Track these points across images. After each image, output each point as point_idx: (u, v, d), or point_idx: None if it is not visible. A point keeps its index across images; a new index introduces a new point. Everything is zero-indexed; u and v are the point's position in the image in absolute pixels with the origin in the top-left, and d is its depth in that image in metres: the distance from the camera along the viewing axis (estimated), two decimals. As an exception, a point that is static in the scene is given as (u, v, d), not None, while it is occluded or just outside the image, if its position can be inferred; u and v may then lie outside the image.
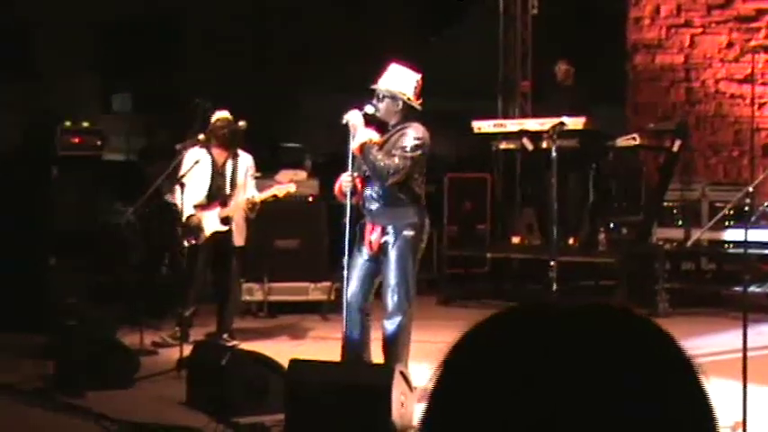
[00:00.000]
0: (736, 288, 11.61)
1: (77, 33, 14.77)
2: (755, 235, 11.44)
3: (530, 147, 12.50)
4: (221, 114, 10.08)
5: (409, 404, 6.87)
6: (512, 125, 13.16)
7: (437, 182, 13.01)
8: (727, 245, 11.86)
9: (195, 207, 9.95)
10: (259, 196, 9.91)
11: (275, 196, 9.93)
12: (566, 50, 13.76)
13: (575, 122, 11.97)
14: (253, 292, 11.64)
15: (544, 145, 11.91)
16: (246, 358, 7.79)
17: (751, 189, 11.29)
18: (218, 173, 10.06)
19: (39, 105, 14.07)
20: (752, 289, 11.57)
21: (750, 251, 11.48)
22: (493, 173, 14.08)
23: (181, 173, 9.85)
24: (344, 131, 8.18)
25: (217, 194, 10.02)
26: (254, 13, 15.27)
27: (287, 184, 10.23)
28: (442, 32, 15.84)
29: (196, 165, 9.86)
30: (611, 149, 12.74)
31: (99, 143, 12.94)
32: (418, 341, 8.11)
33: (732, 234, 11.72)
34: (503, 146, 13.15)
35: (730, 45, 14.27)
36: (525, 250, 13.04)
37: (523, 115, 14.28)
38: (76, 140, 12.70)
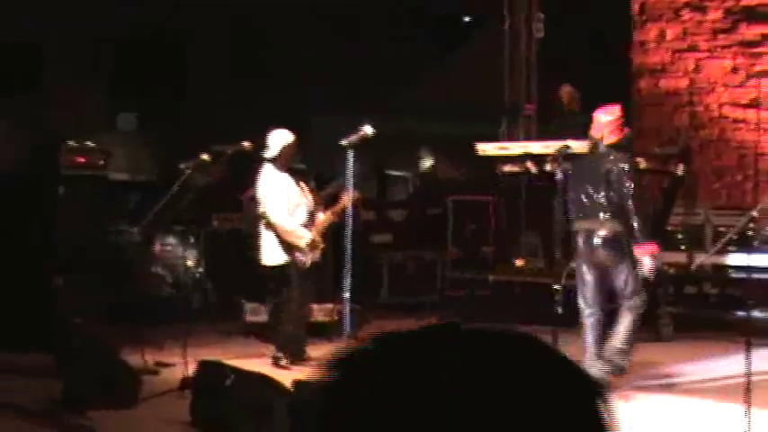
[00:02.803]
0: (740, 313, 11.65)
1: (84, 51, 14.85)
2: (759, 260, 11.48)
3: (534, 170, 12.54)
4: (290, 135, 10.19)
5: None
6: (516, 148, 13.20)
7: (441, 204, 13.06)
8: (730, 269, 11.90)
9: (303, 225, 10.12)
10: (332, 211, 10.18)
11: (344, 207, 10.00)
12: (571, 74, 13.82)
13: (579, 146, 12.01)
14: (258, 313, 11.65)
15: (548, 168, 11.94)
16: (251, 379, 7.82)
17: (755, 214, 11.36)
18: (300, 192, 10.23)
19: (44, 123, 14.14)
20: (755, 314, 11.60)
21: (753, 276, 11.52)
22: (497, 196, 14.12)
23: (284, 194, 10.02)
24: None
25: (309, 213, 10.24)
26: (260, 32, 15.35)
27: (349, 194, 10.40)
28: (448, 56, 15.91)
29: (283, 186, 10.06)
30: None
31: (102, 162, 12.98)
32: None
33: (735, 259, 11.76)
34: (507, 169, 13.20)
35: (735, 70, 14.32)
36: (528, 273, 13.06)
37: (528, 138, 14.33)
38: (81, 160, 12.76)
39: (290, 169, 10.24)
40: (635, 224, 8.71)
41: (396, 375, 1.06)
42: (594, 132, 9.19)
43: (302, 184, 10.33)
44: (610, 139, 9.05)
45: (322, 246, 10.25)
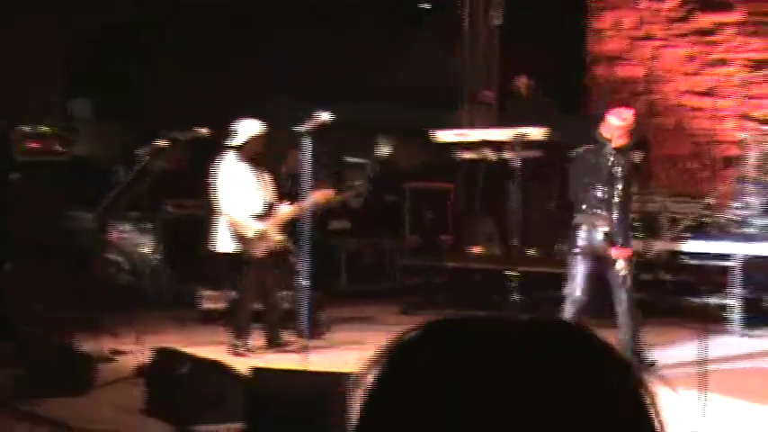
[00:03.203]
0: (695, 299, 11.71)
1: (41, 38, 14.68)
2: (714, 247, 11.54)
3: (492, 157, 12.54)
4: (259, 126, 10.15)
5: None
6: (474, 135, 13.20)
7: (399, 192, 13.04)
8: (686, 256, 11.94)
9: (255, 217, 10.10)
10: (301, 205, 10.03)
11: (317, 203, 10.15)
12: (530, 62, 13.80)
13: (537, 133, 12.03)
14: (215, 300, 11.58)
15: (506, 155, 11.95)
16: (207, 367, 7.76)
17: (711, 201, 11.41)
18: (260, 183, 10.21)
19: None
20: (710, 300, 11.67)
21: (708, 262, 11.58)
22: (455, 183, 14.09)
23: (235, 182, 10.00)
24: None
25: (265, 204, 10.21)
26: (216, 19, 15.23)
27: (324, 191, 10.41)
28: (407, 42, 15.85)
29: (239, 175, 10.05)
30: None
31: (61, 148, 12.82)
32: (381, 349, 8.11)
33: (691, 246, 11.81)
34: (465, 156, 13.19)
35: (691, 58, 14.37)
36: (485, 260, 13.06)
37: (486, 126, 14.32)
38: (35, 145, 12.59)
39: (256, 159, 10.18)
40: (623, 225, 9.14)
41: (449, 363, 1.06)
42: (604, 132, 9.41)
43: (266, 176, 10.26)
44: (618, 142, 9.32)
45: (279, 238, 10.18)
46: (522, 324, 1.11)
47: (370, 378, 1.12)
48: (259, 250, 10.07)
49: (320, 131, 10.13)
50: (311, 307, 10.57)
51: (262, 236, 10.08)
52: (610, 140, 9.36)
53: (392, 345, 1.11)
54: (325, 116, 10.07)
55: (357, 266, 13.24)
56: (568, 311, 9.37)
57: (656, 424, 1.07)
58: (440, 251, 13.63)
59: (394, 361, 1.10)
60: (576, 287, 9.35)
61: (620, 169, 9.18)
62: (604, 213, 9.15)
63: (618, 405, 1.05)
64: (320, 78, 14.42)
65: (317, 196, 10.19)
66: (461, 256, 13.49)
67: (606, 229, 9.13)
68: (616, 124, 9.42)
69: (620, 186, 9.14)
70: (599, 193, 9.20)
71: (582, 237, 9.28)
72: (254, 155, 10.16)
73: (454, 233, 13.95)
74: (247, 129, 10.18)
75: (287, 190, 10.86)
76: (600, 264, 9.27)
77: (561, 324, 1.11)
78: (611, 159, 9.23)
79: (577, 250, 9.30)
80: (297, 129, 10.13)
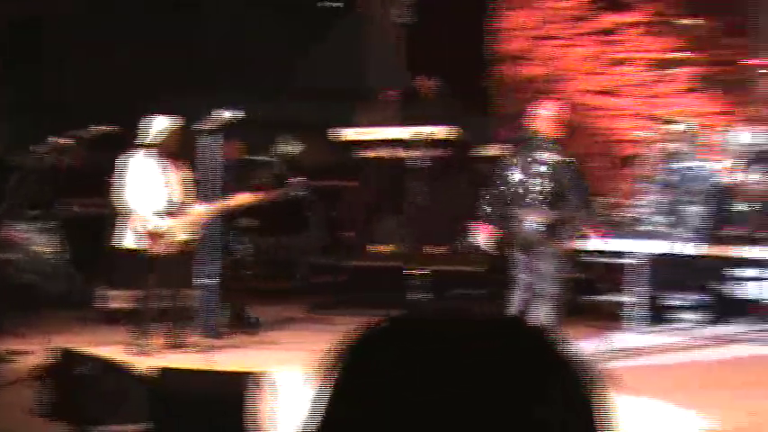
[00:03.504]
0: (596, 297, 11.83)
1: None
2: (614, 245, 11.66)
3: (396, 155, 12.55)
4: (170, 122, 10.00)
5: (278, 410, 6.82)
6: (378, 134, 13.20)
7: (304, 190, 12.97)
8: (586, 254, 12.05)
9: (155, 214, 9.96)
10: (222, 204, 10.16)
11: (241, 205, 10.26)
12: (436, 61, 13.83)
13: (440, 132, 12.08)
14: (119, 299, 11.43)
15: (411, 154, 11.96)
16: (108, 366, 7.64)
17: (611, 200, 11.53)
18: (169, 180, 10.09)
19: None
20: (611, 298, 11.81)
21: (609, 260, 11.71)
22: (358, 181, 14.07)
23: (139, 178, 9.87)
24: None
25: (172, 201, 10.07)
26: (121, 15, 15.03)
27: (248, 194, 10.37)
28: (312, 40, 15.79)
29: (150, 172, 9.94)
30: (478, 159, 12.88)
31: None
32: (288, 348, 8.09)
33: (592, 244, 11.92)
34: (369, 154, 13.18)
35: (592, 58, 14.53)
36: (390, 259, 13.06)
37: (389, 124, 14.32)
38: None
39: (169, 157, 10.03)
40: (560, 216, 9.28)
41: (409, 356, 1.08)
42: (532, 125, 9.51)
43: (180, 173, 10.13)
44: (547, 132, 9.41)
45: (184, 237, 10.06)
46: (472, 321, 1.13)
47: (327, 376, 1.11)
48: (161, 248, 9.95)
49: (223, 129, 10.05)
50: (215, 306, 10.51)
51: (164, 233, 9.96)
52: (538, 133, 9.44)
53: (348, 343, 1.11)
54: (227, 114, 9.99)
55: (263, 264, 13.14)
56: (516, 305, 9.46)
57: (601, 419, 1.08)
58: (344, 249, 13.61)
59: (351, 359, 1.10)
60: (517, 283, 9.46)
61: (552, 160, 9.31)
62: (537, 205, 9.27)
63: (561, 398, 1.06)
64: (228, 76, 14.32)
65: (240, 198, 10.13)
66: (367, 255, 13.48)
67: (538, 221, 9.23)
68: (543, 114, 9.52)
69: (549, 178, 9.28)
70: (531, 186, 9.31)
71: (518, 230, 9.37)
72: (167, 152, 9.99)
73: (358, 231, 13.94)
74: (159, 125, 10.02)
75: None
76: (533, 257, 9.38)
77: (511, 320, 1.13)
78: (543, 151, 9.35)
79: (515, 246, 9.40)
80: (197, 127, 10.03)
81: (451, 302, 10.86)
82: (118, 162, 10.09)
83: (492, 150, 12.83)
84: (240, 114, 9.89)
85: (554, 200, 9.30)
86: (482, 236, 9.50)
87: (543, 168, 9.31)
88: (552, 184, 9.28)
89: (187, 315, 10.43)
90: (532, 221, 9.28)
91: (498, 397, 1.05)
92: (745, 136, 11.38)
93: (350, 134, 13.28)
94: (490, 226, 9.44)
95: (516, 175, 9.41)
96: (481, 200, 9.53)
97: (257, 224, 13.00)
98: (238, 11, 14.85)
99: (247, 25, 14.88)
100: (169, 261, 10.01)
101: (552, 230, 9.28)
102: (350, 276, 13.55)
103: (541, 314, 9.33)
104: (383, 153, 12.90)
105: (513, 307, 9.45)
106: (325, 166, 14.96)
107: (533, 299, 9.42)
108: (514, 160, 9.51)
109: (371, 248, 13.53)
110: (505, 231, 9.47)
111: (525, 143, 9.54)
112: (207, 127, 10.03)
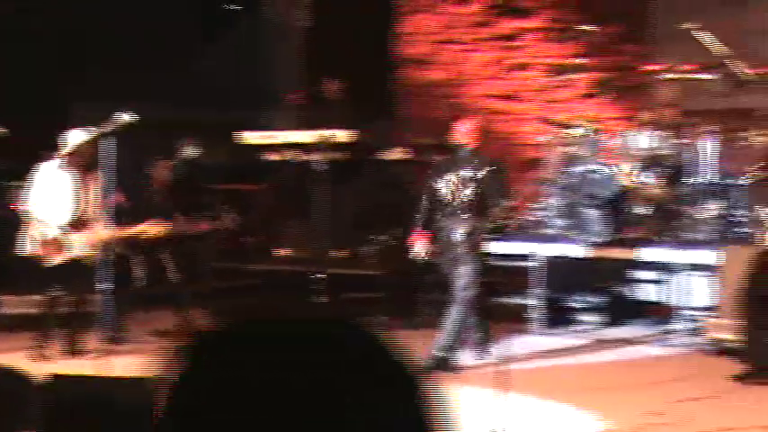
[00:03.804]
0: (497, 299, 11.87)
1: None
2: (514, 247, 11.73)
3: (298, 159, 12.50)
4: (84, 135, 9.90)
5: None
6: (280, 137, 13.14)
7: (208, 193, 12.86)
8: (490, 257, 12.10)
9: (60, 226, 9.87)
10: (126, 232, 10.10)
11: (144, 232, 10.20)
12: (339, 64, 13.79)
13: (343, 135, 12.05)
14: (18, 305, 11.21)
15: (313, 157, 11.91)
16: (4, 372, 7.46)
17: (512, 203, 11.56)
18: (81, 194, 10.01)
19: None
20: (511, 300, 11.87)
21: (509, 263, 11.77)
22: (262, 184, 13.97)
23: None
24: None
25: (80, 215, 9.98)
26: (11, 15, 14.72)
27: (155, 225, 10.28)
28: (215, 42, 15.63)
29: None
30: (380, 163, 12.88)
31: None
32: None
33: (492, 246, 11.97)
34: (271, 157, 13.10)
35: (493, 63, 14.62)
36: (292, 262, 12.99)
37: (293, 127, 14.26)
38: None
39: (85, 169, 9.96)
40: (479, 226, 9.56)
41: (234, 360, 1.09)
42: (455, 138, 9.84)
43: (88, 188, 10.01)
44: (471, 144, 9.74)
45: (82, 253, 9.95)
46: (305, 324, 1.12)
47: (169, 376, 1.11)
48: (57, 259, 9.87)
49: (123, 133, 9.93)
50: (115, 312, 10.37)
51: (63, 245, 9.87)
52: (463, 145, 9.71)
53: (186, 344, 1.11)
54: (126, 117, 9.88)
55: (160, 269, 12.93)
56: (455, 309, 9.63)
57: (430, 421, 1.08)
58: (247, 253, 13.50)
59: (189, 359, 1.10)
60: (449, 289, 9.70)
61: (480, 171, 9.62)
62: (463, 215, 9.54)
63: (390, 401, 1.06)
64: (129, 79, 14.08)
65: (146, 227, 10.08)
66: (269, 259, 13.39)
67: (464, 229, 9.46)
68: (464, 128, 9.82)
69: (473, 187, 9.59)
70: (458, 195, 9.62)
71: (444, 240, 9.62)
72: (80, 164, 9.95)
73: (262, 235, 13.84)
74: (72, 138, 9.98)
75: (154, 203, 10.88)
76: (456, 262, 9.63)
77: (342, 324, 1.13)
78: (470, 162, 9.66)
79: (443, 253, 9.64)
80: (97, 130, 9.92)
81: (297, 305, 10.77)
82: (31, 170, 10.04)
83: (394, 154, 12.84)
84: (136, 117, 9.80)
85: (480, 207, 9.60)
86: (419, 244, 9.79)
87: (469, 176, 9.61)
88: (478, 191, 9.58)
89: (88, 321, 10.26)
90: (457, 230, 9.50)
91: (322, 399, 1.05)
92: (642, 140, 11.51)
93: (253, 138, 13.18)
94: (425, 233, 9.75)
95: (444, 185, 9.70)
96: (414, 209, 9.85)
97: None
98: (141, 13, 14.63)
99: (152, 28, 14.65)
100: (67, 268, 9.87)
101: (474, 237, 9.50)
102: (253, 280, 13.42)
103: (457, 317, 9.45)
104: (286, 156, 12.82)
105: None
106: (229, 170, 14.84)
107: (453, 303, 9.63)
108: (442, 170, 9.82)
109: (276, 252, 13.43)
110: (436, 239, 9.76)
111: (452, 154, 9.86)
112: (105, 130, 9.91)
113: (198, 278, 13.16)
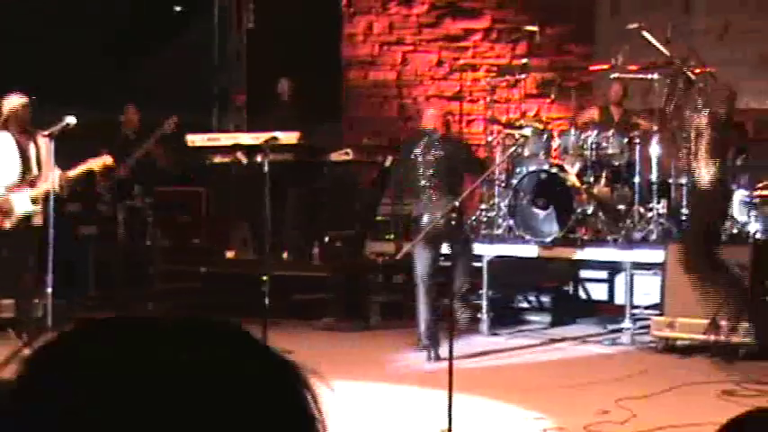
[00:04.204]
0: (445, 299, 11.83)
1: None
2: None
3: (244, 160, 12.42)
4: (19, 99, 10.10)
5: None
6: (226, 139, 13.06)
7: (150, 195, 12.74)
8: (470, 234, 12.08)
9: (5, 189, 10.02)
10: (74, 171, 10.16)
11: (90, 170, 10.32)
12: (286, 66, 13.69)
13: (288, 137, 11.98)
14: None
15: (258, 159, 11.82)
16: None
17: (457, 204, 11.51)
18: (24, 155, 10.10)
19: None
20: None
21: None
22: (207, 186, 13.86)
23: None
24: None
25: (25, 175, 10.10)
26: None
27: (102, 157, 10.44)
28: (161, 44, 15.50)
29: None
30: (326, 164, 12.82)
31: None
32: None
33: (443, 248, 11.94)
34: (217, 159, 13.01)
35: (440, 63, 14.64)
36: (239, 264, 12.90)
37: (238, 129, 14.18)
38: None
39: (22, 131, 10.10)
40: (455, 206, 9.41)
41: (80, 369, 1.01)
42: (426, 124, 10.23)
43: (36, 147, 10.11)
44: (442, 129, 10.17)
45: (27, 210, 9.92)
46: (172, 325, 1.06)
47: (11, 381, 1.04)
48: (9, 222, 9.97)
49: (65, 135, 9.96)
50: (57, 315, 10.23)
51: (8, 207, 9.99)
52: (435, 130, 10.08)
53: (32, 349, 1.05)
54: (70, 119, 9.97)
55: (106, 272, 12.81)
56: (420, 296, 9.94)
57: (313, 422, 1.03)
58: (193, 255, 13.38)
59: (32, 366, 1.03)
60: (424, 272, 9.90)
61: (457, 154, 10.02)
62: (443, 199, 9.71)
63: (267, 404, 1.01)
64: (68, 79, 13.91)
65: (92, 162, 10.17)
66: (214, 261, 13.27)
67: (444, 213, 9.36)
68: (432, 113, 10.33)
69: (462, 170, 10.02)
70: (435, 181, 9.90)
71: (424, 224, 9.71)
72: (19, 126, 10.11)
73: (208, 237, 13.74)
74: (6, 103, 10.11)
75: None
76: (437, 248, 10.04)
77: (214, 324, 1.06)
78: (443, 147, 9.98)
79: (420, 238, 9.56)
80: (42, 133, 9.97)
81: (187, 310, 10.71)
82: None
83: (340, 155, 12.78)
84: (73, 120, 9.91)
85: (452, 181, 9.91)
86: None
87: (440, 155, 9.92)
88: (448, 165, 9.89)
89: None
90: (438, 215, 9.43)
91: (192, 404, 0.99)
92: (587, 139, 11.52)
93: (199, 139, 13.08)
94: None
95: (416, 165, 10.00)
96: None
97: (97, 232, 12.74)
98: (83, 13, 14.46)
99: (98, 29, 14.49)
100: (15, 237, 9.98)
101: (457, 221, 9.58)
102: (198, 282, 13.29)
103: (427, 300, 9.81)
104: (233, 158, 12.73)
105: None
106: (176, 172, 14.70)
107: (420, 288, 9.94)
108: (413, 154, 10.08)
109: (224, 254, 13.33)
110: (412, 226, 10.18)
111: (420, 137, 10.19)
112: (51, 132, 9.99)
113: (144, 280, 13.06)
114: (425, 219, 9.79)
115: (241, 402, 0.99)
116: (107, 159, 10.48)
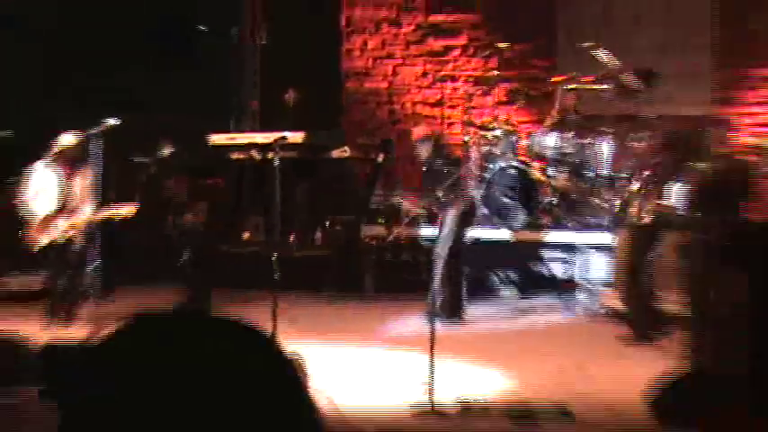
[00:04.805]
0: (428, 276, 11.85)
1: None
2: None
3: (257, 157, 12.45)
4: (72, 137, 9.90)
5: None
6: (242, 138, 13.10)
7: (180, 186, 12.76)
8: (421, 239, 12.11)
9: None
10: (101, 214, 9.89)
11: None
12: (291, 77, 13.75)
13: (294, 137, 12.01)
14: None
15: (270, 155, 11.81)
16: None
17: (440, 194, 11.56)
18: (66, 189, 9.92)
19: None
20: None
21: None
22: (226, 179, 13.88)
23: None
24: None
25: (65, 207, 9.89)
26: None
27: (129, 206, 10.06)
28: (189, 60, 15.46)
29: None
30: (328, 160, 12.86)
31: None
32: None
33: (425, 231, 12.01)
34: (235, 156, 13.05)
35: (425, 74, 14.71)
36: (253, 244, 12.91)
37: (253, 130, 14.20)
38: None
39: (72, 166, 9.89)
40: None
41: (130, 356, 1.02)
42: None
43: (81, 182, 9.92)
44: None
45: (66, 234, 9.86)
46: (194, 321, 1.09)
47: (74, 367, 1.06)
48: (47, 238, 9.78)
49: (108, 135, 9.97)
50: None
51: (49, 227, 9.80)
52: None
53: (94, 339, 1.06)
54: (112, 121, 10.00)
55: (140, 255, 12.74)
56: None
57: (308, 406, 1.04)
58: (219, 237, 13.39)
59: (95, 354, 1.05)
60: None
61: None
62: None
63: (270, 389, 1.03)
64: (114, 91, 13.83)
65: (118, 209, 9.96)
66: (233, 242, 13.28)
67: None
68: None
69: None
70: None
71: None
72: (69, 162, 9.91)
73: (230, 221, 13.76)
74: (59, 141, 9.96)
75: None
76: None
77: (223, 321, 1.09)
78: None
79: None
80: (89, 132, 9.96)
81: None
82: (25, 169, 10.00)
83: (340, 153, 12.80)
84: (117, 121, 9.87)
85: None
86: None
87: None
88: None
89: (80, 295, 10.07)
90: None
91: (208, 388, 1.01)
92: (549, 140, 11.59)
93: (219, 139, 13.10)
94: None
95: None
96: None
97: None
98: (118, 31, 14.39)
99: (129, 46, 14.43)
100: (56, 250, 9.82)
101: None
102: (224, 259, 13.22)
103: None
104: (248, 155, 12.75)
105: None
106: (199, 167, 14.69)
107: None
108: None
109: (241, 236, 13.32)
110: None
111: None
112: (96, 132, 9.98)
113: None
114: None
115: (247, 393, 1.00)
116: (132, 210, 10.05)
